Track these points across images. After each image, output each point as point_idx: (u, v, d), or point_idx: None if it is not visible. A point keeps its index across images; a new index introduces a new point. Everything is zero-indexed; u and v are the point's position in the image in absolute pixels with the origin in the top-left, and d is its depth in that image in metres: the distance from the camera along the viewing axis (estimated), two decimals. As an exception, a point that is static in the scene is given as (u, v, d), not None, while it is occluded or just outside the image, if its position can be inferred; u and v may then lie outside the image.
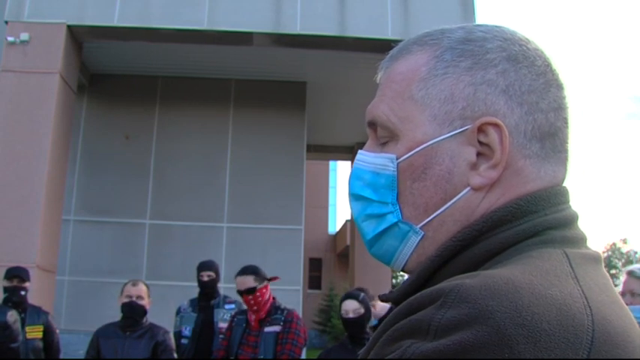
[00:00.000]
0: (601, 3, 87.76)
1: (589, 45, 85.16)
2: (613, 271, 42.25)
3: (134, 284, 3.87)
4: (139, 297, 3.80)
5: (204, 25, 7.40)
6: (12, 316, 3.69)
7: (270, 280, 3.78)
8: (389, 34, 7.34)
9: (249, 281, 3.70)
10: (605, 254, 43.97)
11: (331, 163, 21.27)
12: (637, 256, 40.84)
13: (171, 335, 3.94)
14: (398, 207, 0.62)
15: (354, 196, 0.66)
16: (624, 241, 44.10)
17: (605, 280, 0.56)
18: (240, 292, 3.69)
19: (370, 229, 0.65)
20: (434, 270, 0.59)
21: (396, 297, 0.61)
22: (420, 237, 0.62)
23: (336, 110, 10.21)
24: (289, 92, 9.31)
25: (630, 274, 2.54)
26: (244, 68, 8.97)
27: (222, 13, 7.44)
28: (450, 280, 0.52)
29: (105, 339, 3.74)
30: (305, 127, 9.44)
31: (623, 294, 2.53)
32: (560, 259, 0.54)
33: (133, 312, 3.77)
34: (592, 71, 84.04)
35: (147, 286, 3.93)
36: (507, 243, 0.57)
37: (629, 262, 38.59)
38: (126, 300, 3.79)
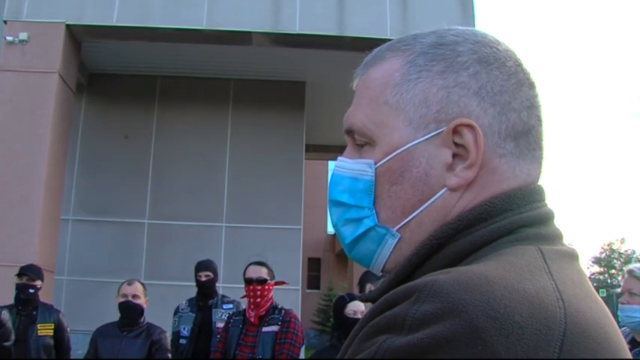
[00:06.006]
0: (599, 3, 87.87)
1: (592, 44, 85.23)
2: (612, 271, 42.29)
3: (130, 283, 3.88)
4: (135, 296, 3.81)
5: (203, 25, 7.40)
6: (4, 315, 3.72)
7: (277, 283, 3.82)
8: (388, 34, 7.34)
9: (264, 272, 3.76)
10: (604, 254, 44.00)
11: (330, 162, 21.28)
12: (634, 255, 40.87)
13: (168, 335, 3.94)
14: (374, 211, 0.64)
15: (333, 202, 0.67)
16: (622, 241, 44.14)
17: (580, 276, 0.57)
18: (251, 281, 3.70)
19: (348, 233, 0.66)
20: (412, 269, 0.60)
21: (375, 297, 0.62)
22: (396, 239, 0.63)
23: (334, 110, 10.16)
24: (288, 92, 9.31)
25: (630, 273, 2.54)
26: (243, 68, 8.98)
27: (221, 12, 7.45)
28: (425, 276, 0.52)
29: (103, 338, 3.75)
30: (304, 126, 9.44)
31: (622, 294, 2.53)
32: (535, 255, 0.55)
33: (129, 311, 3.78)
34: (596, 70, 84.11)
35: (143, 285, 3.93)
36: (483, 241, 0.58)
37: (628, 261, 38.59)
38: (122, 299, 3.80)
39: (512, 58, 0.64)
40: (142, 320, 3.83)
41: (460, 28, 0.66)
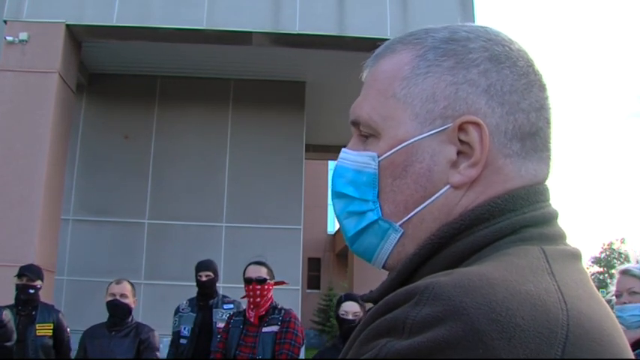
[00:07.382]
0: (599, 3, 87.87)
1: (592, 44, 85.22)
2: (612, 271, 42.18)
3: (118, 282, 3.90)
4: (123, 295, 3.82)
5: (203, 25, 7.40)
6: (6, 315, 3.72)
7: (277, 282, 3.82)
8: (388, 34, 7.34)
9: (263, 272, 3.76)
10: (603, 254, 43.97)
11: (330, 162, 21.27)
12: (635, 255, 40.81)
13: (156, 334, 3.95)
14: (378, 204, 0.63)
15: (337, 194, 0.67)
16: (622, 241, 44.10)
17: (582, 276, 0.56)
18: (250, 280, 3.70)
19: (351, 226, 0.65)
20: (413, 268, 0.60)
21: (376, 297, 0.61)
22: (399, 234, 0.62)
23: (335, 110, 10.20)
24: (288, 92, 9.31)
25: (627, 272, 2.51)
26: (243, 68, 8.97)
27: (221, 12, 7.44)
28: (425, 278, 0.52)
29: (91, 339, 3.77)
30: (304, 126, 9.44)
31: (619, 294, 2.50)
32: (537, 255, 0.54)
33: (116, 310, 3.79)
34: (596, 70, 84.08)
35: (132, 285, 3.95)
36: (485, 241, 0.57)
37: (628, 261, 38.56)
38: (110, 298, 3.81)
39: (525, 59, 0.63)
40: (130, 320, 3.84)
41: (473, 24, 0.65)
